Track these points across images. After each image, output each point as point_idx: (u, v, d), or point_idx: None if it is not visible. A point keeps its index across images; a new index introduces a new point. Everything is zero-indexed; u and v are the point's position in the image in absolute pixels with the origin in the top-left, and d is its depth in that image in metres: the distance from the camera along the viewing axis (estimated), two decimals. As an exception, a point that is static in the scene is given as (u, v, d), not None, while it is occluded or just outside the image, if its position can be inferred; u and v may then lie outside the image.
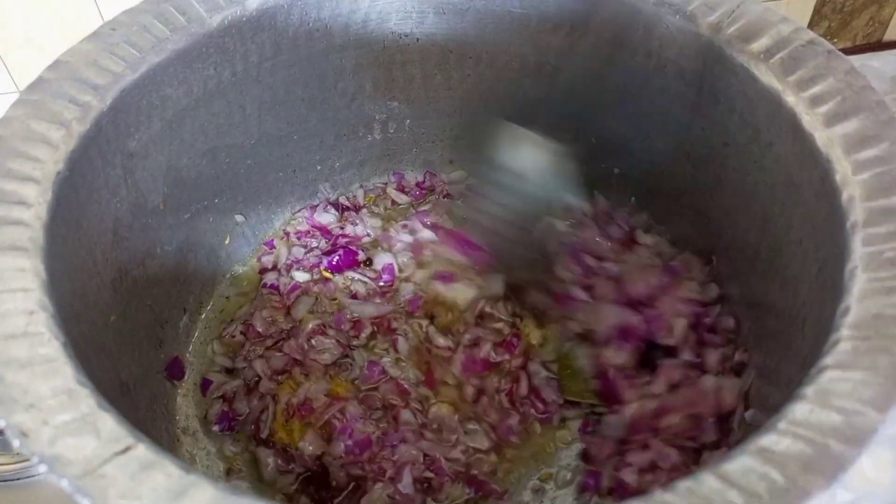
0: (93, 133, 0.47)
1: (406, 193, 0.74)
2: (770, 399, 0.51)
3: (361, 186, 0.74)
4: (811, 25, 0.90)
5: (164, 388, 0.59)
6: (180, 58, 0.53)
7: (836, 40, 0.92)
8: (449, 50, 0.66)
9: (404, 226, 0.70)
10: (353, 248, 0.68)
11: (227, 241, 0.67)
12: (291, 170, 0.68)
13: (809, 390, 0.35)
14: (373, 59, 0.65)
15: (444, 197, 0.73)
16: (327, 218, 0.71)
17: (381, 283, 0.66)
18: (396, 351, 0.62)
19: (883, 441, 0.33)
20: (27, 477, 0.59)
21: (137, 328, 0.55)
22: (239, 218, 0.67)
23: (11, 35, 0.71)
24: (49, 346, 0.36)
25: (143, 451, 0.32)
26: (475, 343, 0.61)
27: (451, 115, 0.71)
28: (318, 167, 0.70)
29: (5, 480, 0.58)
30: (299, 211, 0.72)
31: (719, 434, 0.54)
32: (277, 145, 0.66)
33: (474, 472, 0.56)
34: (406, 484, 0.54)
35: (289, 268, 0.67)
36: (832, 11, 0.89)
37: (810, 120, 0.48)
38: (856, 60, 0.50)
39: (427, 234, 0.69)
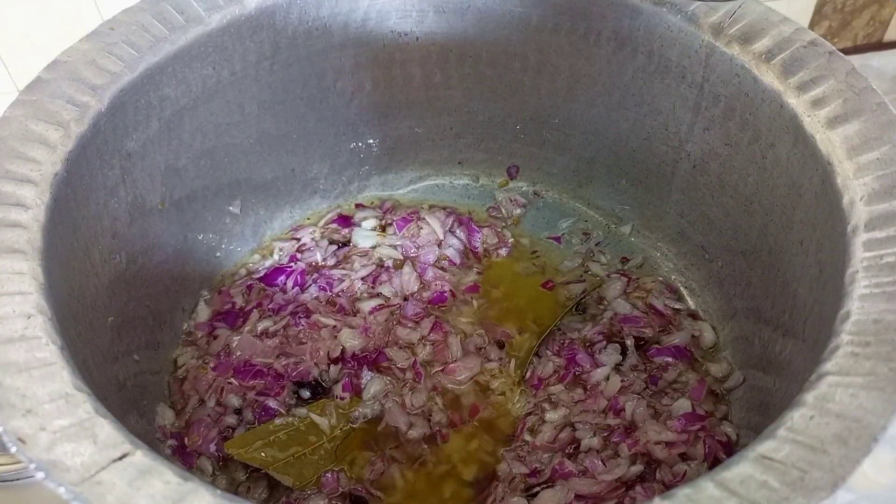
0: (91, 133, 0.47)
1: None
2: (769, 405, 0.51)
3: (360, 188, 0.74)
4: (812, 25, 0.89)
5: (162, 391, 0.59)
6: (179, 57, 0.53)
7: (836, 40, 0.92)
8: (449, 49, 0.66)
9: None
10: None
11: (224, 242, 0.66)
12: (290, 169, 0.68)
13: (809, 396, 0.35)
14: (372, 58, 0.65)
15: None
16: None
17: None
18: None
19: (883, 442, 0.33)
20: (26, 477, 0.59)
21: (135, 330, 0.54)
22: (237, 218, 0.67)
23: (11, 35, 0.71)
24: (46, 350, 0.36)
25: (140, 457, 0.32)
26: None
27: (450, 115, 0.71)
28: (317, 166, 0.70)
29: (5, 480, 0.58)
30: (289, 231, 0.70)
31: None
32: (276, 145, 0.65)
33: None
34: None
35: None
36: (833, 11, 0.89)
37: (811, 122, 0.47)
38: (856, 60, 0.50)
39: None
